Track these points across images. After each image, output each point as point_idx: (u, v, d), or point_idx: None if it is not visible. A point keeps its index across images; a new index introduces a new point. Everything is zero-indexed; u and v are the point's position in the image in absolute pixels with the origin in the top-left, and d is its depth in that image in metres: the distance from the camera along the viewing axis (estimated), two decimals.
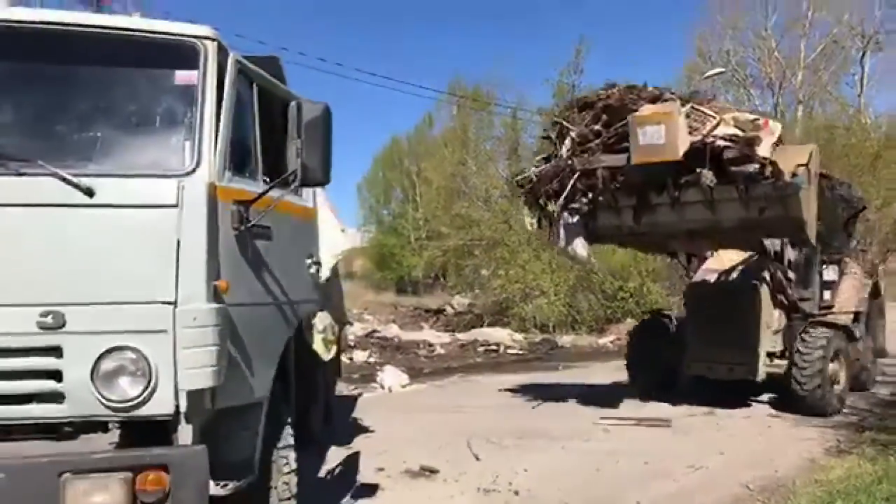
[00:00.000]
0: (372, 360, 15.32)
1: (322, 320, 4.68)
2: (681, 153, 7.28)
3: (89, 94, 3.58)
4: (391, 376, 11.81)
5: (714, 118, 7.61)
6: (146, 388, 3.09)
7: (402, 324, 23.03)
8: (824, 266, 10.12)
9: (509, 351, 17.78)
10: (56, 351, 3.07)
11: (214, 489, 3.24)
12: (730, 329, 9.19)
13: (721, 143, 7.34)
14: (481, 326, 21.15)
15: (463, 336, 19.48)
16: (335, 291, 6.31)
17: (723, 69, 25.21)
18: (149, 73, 3.61)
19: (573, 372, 13.35)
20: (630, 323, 17.43)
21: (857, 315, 10.20)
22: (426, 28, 67.69)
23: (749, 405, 9.17)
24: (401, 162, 45.01)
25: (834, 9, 29.28)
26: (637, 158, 7.52)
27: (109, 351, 3.08)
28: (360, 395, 10.61)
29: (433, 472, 6.18)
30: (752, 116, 7.86)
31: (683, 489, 5.80)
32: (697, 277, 10.32)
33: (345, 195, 49.06)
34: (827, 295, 10.09)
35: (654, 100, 7.94)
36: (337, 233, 5.38)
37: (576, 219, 8.42)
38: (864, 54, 29.98)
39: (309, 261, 4.56)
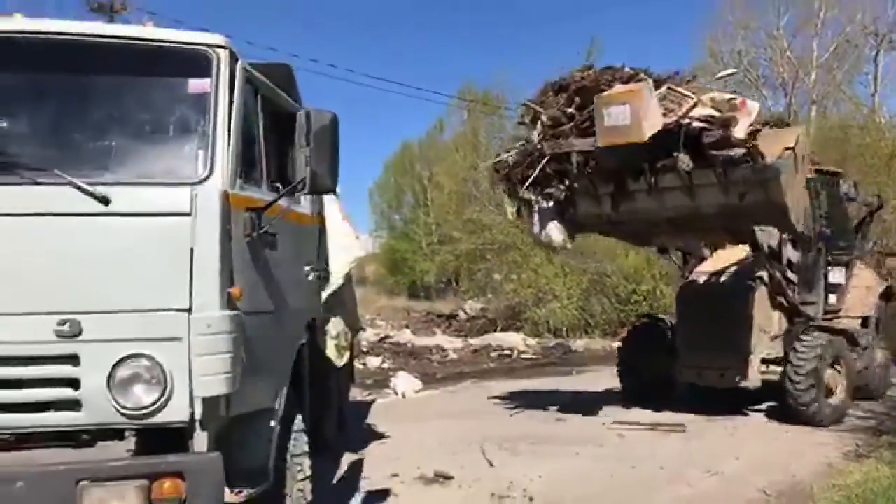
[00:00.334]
0: (385, 365, 15.28)
1: (335, 326, 4.69)
2: (647, 135, 6.81)
3: (103, 103, 3.63)
4: (404, 382, 11.79)
5: (691, 99, 7.16)
6: (161, 395, 3.11)
7: (414, 329, 22.95)
8: (830, 268, 9.42)
9: (523, 356, 17.63)
10: (73, 359, 3.10)
11: (229, 496, 3.26)
12: (721, 332, 8.66)
13: (697, 124, 6.93)
14: (494, 331, 20.99)
15: (476, 341, 19.32)
16: (349, 297, 6.29)
17: (735, 70, 24.96)
18: (162, 81, 3.65)
19: (587, 376, 13.25)
20: None
21: (865, 320, 9.76)
22: (436, 34, 67.90)
23: (763, 410, 9.02)
24: (412, 167, 44.93)
25: (846, 8, 29.00)
26: (602, 140, 7.09)
27: (125, 358, 3.10)
28: (373, 400, 10.60)
29: (447, 478, 6.16)
30: (728, 96, 7.46)
31: (700, 494, 5.76)
32: (691, 278, 9.80)
33: (356, 201, 49.15)
34: (833, 298, 9.49)
35: (629, 80, 7.45)
36: (351, 239, 5.39)
37: (550, 203, 8.05)
38: (877, 53, 29.59)
39: (307, 268, 4.57)
